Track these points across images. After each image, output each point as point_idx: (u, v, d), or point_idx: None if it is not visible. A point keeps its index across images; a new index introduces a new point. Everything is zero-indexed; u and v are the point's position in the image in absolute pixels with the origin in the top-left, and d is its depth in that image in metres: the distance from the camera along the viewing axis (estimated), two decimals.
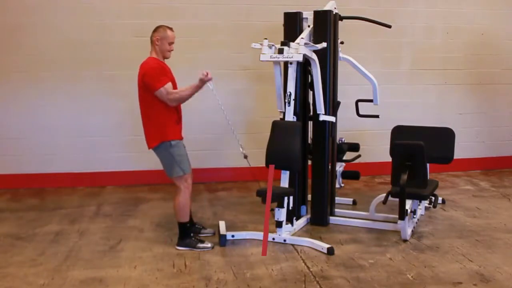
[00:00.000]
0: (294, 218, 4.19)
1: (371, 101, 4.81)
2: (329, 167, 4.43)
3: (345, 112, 4.90)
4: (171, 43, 3.77)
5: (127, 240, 4.06)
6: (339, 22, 4.49)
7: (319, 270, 3.41)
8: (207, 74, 3.69)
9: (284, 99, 4.13)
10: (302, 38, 3.98)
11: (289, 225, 4.09)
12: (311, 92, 4.41)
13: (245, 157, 3.90)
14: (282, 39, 4.21)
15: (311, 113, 4.46)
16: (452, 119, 6.26)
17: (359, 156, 4.82)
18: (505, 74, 6.60)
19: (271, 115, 4.41)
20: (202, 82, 3.70)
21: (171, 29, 3.78)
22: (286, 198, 3.93)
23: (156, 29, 3.77)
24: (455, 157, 4.52)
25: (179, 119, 3.85)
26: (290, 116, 4.03)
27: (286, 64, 4.15)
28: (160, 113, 3.71)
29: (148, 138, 3.80)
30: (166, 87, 3.62)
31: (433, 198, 4.34)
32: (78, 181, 5.84)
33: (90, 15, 5.68)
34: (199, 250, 3.81)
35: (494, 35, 6.48)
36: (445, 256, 3.65)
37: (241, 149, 3.90)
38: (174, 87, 3.78)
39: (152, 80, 3.62)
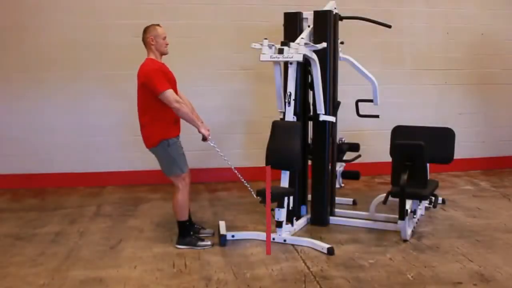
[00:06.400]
0: (294, 218, 4.19)
1: (371, 101, 4.81)
2: (329, 167, 4.43)
3: (345, 112, 4.90)
4: (164, 38, 3.81)
5: (127, 240, 4.06)
6: (339, 22, 4.49)
7: (319, 270, 3.41)
8: (209, 133, 3.84)
9: (284, 99, 4.13)
10: (302, 38, 3.98)
11: (289, 225, 4.09)
12: (311, 92, 4.41)
13: (246, 185, 3.95)
14: (282, 39, 4.21)
15: (311, 113, 4.46)
16: (452, 119, 6.26)
17: (359, 156, 4.82)
18: (505, 74, 6.60)
19: (271, 115, 4.40)
20: (200, 133, 3.79)
21: (158, 25, 3.83)
22: (286, 198, 3.93)
23: (145, 30, 3.81)
24: (455, 157, 4.51)
25: (177, 118, 3.86)
26: (290, 116, 4.03)
27: (286, 64, 4.15)
28: (158, 113, 3.72)
29: (146, 138, 3.81)
30: (173, 93, 3.64)
31: (433, 198, 4.34)
32: (78, 181, 5.84)
33: (90, 15, 5.68)
34: (199, 248, 3.81)
35: (494, 35, 6.48)
36: (445, 256, 3.65)
37: (244, 183, 3.97)
38: (174, 87, 3.81)
39: (155, 85, 3.62)
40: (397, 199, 3.93)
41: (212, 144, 3.85)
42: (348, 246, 3.86)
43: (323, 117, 4.24)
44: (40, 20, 5.63)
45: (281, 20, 4.46)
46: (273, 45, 3.98)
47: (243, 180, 3.97)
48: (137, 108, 3.82)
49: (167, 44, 3.83)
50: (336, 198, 4.73)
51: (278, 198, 3.86)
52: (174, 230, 4.04)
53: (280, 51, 3.90)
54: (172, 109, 3.71)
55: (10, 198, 5.41)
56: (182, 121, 3.86)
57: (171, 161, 3.78)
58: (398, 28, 5.67)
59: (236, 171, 4.00)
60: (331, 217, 4.46)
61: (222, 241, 3.90)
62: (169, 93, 3.62)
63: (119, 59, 5.70)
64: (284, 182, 3.98)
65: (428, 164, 4.10)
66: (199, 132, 3.80)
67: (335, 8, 4.41)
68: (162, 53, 3.83)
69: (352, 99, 5.04)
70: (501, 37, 6.52)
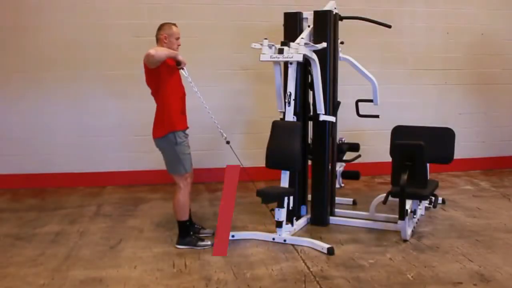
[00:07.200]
0: (294, 218, 4.19)
1: (371, 101, 4.81)
2: (329, 167, 4.43)
3: (345, 112, 4.90)
4: (177, 38, 3.84)
5: (127, 240, 4.06)
6: (339, 22, 4.49)
7: (319, 270, 3.41)
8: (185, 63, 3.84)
9: (284, 99, 4.13)
10: (302, 38, 3.98)
11: (289, 225, 4.09)
12: (311, 92, 4.41)
13: (227, 142, 3.95)
14: (282, 39, 4.21)
15: (311, 113, 4.46)
16: (452, 119, 6.26)
17: (359, 156, 4.82)
18: (505, 74, 6.60)
19: (271, 115, 4.41)
20: (177, 59, 3.78)
21: (175, 25, 3.86)
22: (286, 198, 3.93)
23: (161, 27, 3.83)
24: (455, 157, 4.52)
25: (183, 110, 3.88)
26: (290, 116, 4.03)
27: (286, 64, 4.16)
28: (165, 103, 3.75)
29: (154, 128, 3.84)
30: (152, 48, 3.61)
31: (433, 198, 4.34)
32: (78, 181, 5.84)
33: (90, 15, 5.69)
34: (199, 248, 3.81)
35: (494, 35, 6.49)
36: (445, 256, 3.65)
37: (223, 135, 3.97)
38: (179, 85, 3.84)
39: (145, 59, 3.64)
40: (397, 199, 3.93)
41: (186, 75, 3.86)
42: (348, 246, 3.86)
43: (323, 117, 4.24)
44: (40, 20, 5.63)
45: (281, 20, 4.46)
46: (273, 45, 3.98)
47: (219, 128, 3.98)
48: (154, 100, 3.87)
49: (179, 45, 3.86)
50: (336, 198, 4.73)
51: (277, 198, 3.86)
52: (174, 230, 4.04)
53: (280, 51, 3.91)
54: (177, 97, 3.76)
55: (10, 198, 5.41)
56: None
57: (177, 159, 3.78)
58: (398, 28, 5.68)
59: (216, 122, 4.00)
60: (331, 217, 4.46)
61: None
62: (149, 51, 3.56)
63: (119, 59, 5.70)
64: (284, 182, 3.98)
65: (428, 164, 4.10)
66: (177, 59, 3.78)
67: (335, 8, 4.41)
68: None
69: (352, 99, 5.04)
70: (501, 37, 6.52)
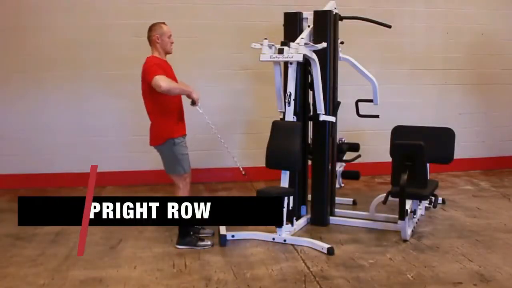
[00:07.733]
0: (294, 218, 4.19)
1: (371, 101, 4.82)
2: (329, 167, 4.43)
3: (345, 112, 4.90)
4: (170, 36, 3.81)
5: (127, 240, 4.06)
6: (339, 22, 4.49)
7: (319, 270, 3.41)
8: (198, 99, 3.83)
9: (284, 99, 4.13)
10: (302, 38, 3.98)
11: (289, 225, 4.08)
12: (311, 92, 4.41)
13: (244, 174, 4.05)
14: (282, 39, 4.21)
15: (311, 113, 4.46)
16: (452, 119, 6.26)
17: (359, 156, 4.82)
18: (505, 74, 6.60)
19: (271, 115, 4.40)
20: (191, 98, 3.78)
21: (164, 23, 3.83)
22: (286, 198, 3.93)
23: (151, 28, 3.80)
24: (455, 157, 4.52)
25: (181, 116, 3.88)
26: (290, 116, 4.04)
27: (286, 64, 4.16)
28: (163, 111, 3.74)
29: (152, 136, 3.82)
30: (161, 77, 3.57)
31: (433, 198, 4.34)
32: (78, 181, 5.82)
33: (90, 15, 5.69)
34: (199, 248, 3.82)
35: (494, 35, 6.49)
36: (445, 256, 3.64)
37: (240, 169, 4.04)
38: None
39: (147, 74, 3.62)
40: (397, 199, 3.93)
41: (200, 111, 3.86)
42: (348, 246, 3.86)
43: (323, 117, 4.24)
44: (40, 20, 5.63)
45: (281, 20, 4.46)
46: (273, 45, 3.98)
47: (233, 157, 4.03)
48: (145, 107, 3.83)
49: (172, 43, 3.82)
50: (336, 198, 4.73)
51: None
52: (174, 230, 4.03)
53: (280, 51, 3.91)
54: (175, 104, 3.74)
55: (10, 198, 5.40)
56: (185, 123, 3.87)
57: (176, 160, 3.79)
58: (398, 28, 5.67)
59: (226, 146, 4.04)
60: (331, 217, 4.46)
61: (222, 241, 3.91)
62: (157, 77, 3.54)
63: (119, 59, 5.70)
64: (284, 182, 3.98)
65: (428, 164, 4.10)
66: (192, 97, 3.78)
67: (335, 8, 4.41)
68: (167, 52, 3.83)
69: (352, 99, 5.04)
70: (501, 37, 6.52)
